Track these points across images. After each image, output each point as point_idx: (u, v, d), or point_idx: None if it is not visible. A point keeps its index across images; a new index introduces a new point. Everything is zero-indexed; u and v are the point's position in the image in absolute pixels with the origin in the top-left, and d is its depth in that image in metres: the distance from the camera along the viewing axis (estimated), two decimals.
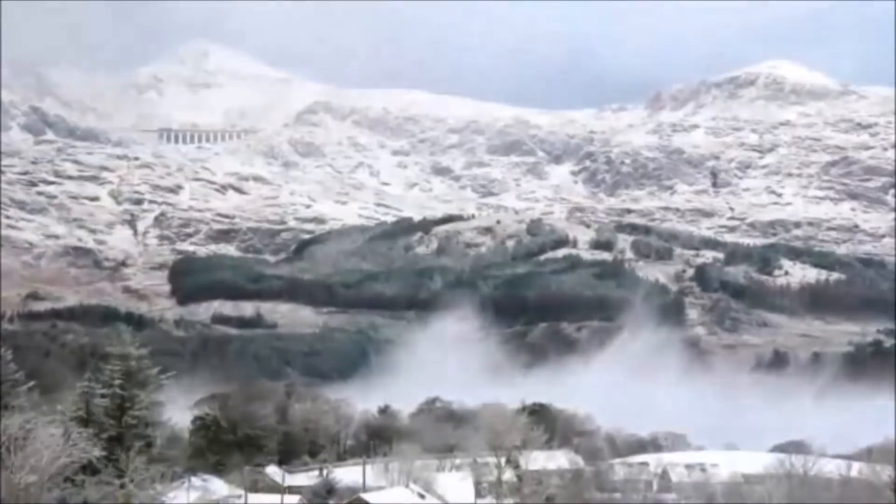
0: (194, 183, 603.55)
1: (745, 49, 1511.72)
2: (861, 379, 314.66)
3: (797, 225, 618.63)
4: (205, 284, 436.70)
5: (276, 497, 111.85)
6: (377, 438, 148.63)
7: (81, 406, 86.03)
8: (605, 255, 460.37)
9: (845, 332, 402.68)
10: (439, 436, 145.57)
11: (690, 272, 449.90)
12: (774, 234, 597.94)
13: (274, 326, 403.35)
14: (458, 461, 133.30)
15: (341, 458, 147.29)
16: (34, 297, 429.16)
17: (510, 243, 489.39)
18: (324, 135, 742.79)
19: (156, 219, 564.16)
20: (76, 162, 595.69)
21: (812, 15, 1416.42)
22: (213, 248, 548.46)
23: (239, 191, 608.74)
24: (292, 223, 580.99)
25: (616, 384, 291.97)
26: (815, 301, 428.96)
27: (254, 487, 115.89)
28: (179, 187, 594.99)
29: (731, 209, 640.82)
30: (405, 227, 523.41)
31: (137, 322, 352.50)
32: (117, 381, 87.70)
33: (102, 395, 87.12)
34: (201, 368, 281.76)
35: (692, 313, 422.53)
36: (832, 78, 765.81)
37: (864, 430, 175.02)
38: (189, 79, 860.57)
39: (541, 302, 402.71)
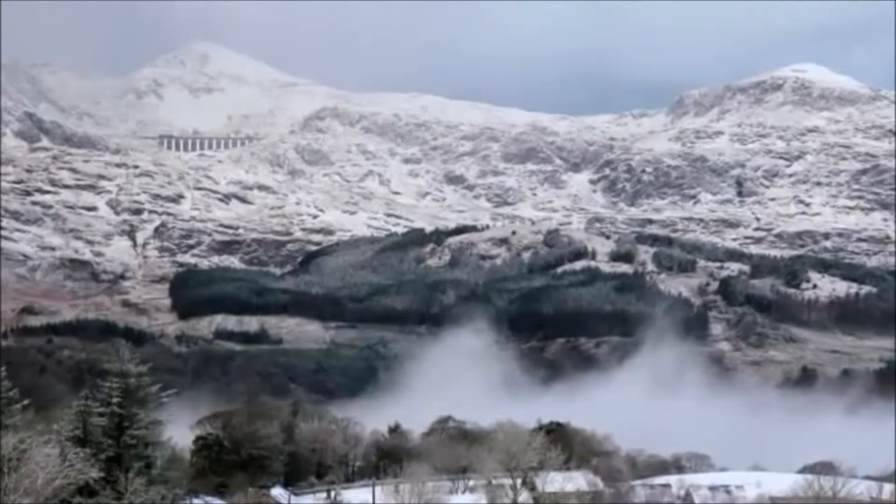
0: (196, 192, 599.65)
1: (771, 52, 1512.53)
2: (893, 397, 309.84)
3: (826, 236, 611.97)
4: (207, 298, 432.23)
5: None
6: (387, 459, 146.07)
7: (78, 425, 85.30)
8: (626, 268, 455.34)
9: (876, 348, 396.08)
10: (452, 456, 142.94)
11: (714, 285, 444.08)
12: (802, 246, 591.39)
13: (279, 342, 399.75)
14: (471, 483, 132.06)
15: (350, 479, 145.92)
16: (29, 311, 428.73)
17: (526, 255, 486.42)
18: (331, 142, 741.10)
19: (156, 229, 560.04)
20: (73, 170, 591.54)
21: (840, 17, 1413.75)
22: (216, 260, 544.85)
23: (243, 200, 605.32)
24: (298, 234, 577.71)
25: (637, 402, 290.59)
26: (845, 315, 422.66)
27: None
28: (181, 196, 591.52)
29: (757, 219, 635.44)
30: (416, 239, 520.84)
31: (137, 337, 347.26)
32: (116, 399, 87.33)
33: (100, 414, 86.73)
34: (203, 386, 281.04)
35: (716, 328, 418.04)
36: (862, 82, 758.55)
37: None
38: (190, 83, 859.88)
39: (558, 316, 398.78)
